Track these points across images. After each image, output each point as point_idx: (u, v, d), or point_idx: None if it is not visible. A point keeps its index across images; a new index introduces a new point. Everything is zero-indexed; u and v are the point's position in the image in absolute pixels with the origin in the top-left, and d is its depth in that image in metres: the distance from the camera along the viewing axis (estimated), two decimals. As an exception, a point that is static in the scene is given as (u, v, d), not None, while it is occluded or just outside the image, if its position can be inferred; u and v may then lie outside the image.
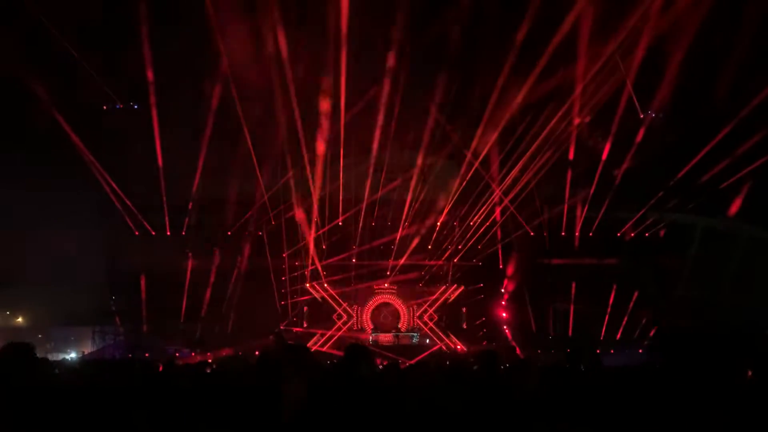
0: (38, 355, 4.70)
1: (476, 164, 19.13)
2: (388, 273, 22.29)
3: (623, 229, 21.49)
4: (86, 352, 20.50)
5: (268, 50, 14.71)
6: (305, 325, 22.07)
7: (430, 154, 19.33)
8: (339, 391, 4.33)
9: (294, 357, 5.35)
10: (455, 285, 22.57)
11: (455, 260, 22.38)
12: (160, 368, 10.36)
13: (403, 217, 20.92)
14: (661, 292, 20.06)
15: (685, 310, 19.20)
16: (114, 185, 19.36)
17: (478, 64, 15.83)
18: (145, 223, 20.86)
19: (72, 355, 19.84)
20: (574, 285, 21.09)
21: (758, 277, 17.99)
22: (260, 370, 5.76)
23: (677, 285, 19.58)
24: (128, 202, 19.96)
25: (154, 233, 21.10)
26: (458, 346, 21.60)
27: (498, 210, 20.61)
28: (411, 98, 16.94)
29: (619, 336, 20.67)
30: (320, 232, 21.36)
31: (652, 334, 20.14)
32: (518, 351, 20.34)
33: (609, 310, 20.73)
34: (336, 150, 18.73)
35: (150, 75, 15.98)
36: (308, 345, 20.86)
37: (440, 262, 22.32)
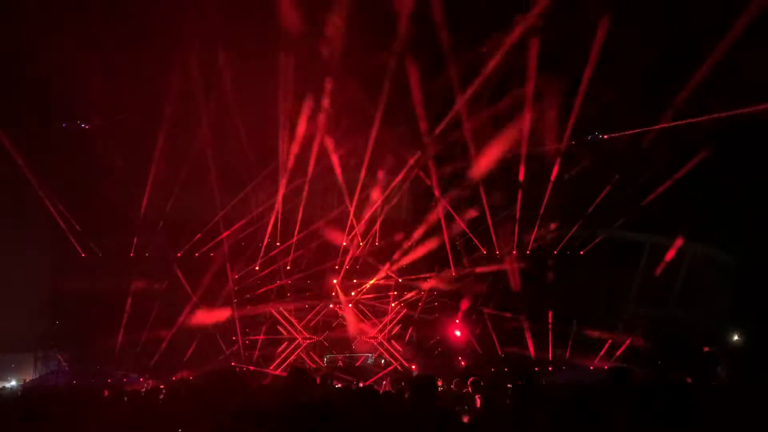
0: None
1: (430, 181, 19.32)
2: (344, 292, 22.15)
3: (570, 246, 21.92)
4: (27, 380, 19.68)
5: (221, 71, 14.64)
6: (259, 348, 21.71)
7: (381, 174, 19.48)
8: (283, 418, 4.27)
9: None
10: (409, 304, 22.55)
11: (411, 279, 22.38)
12: (106, 393, 10.06)
13: (357, 235, 20.86)
14: (610, 309, 20.55)
15: (635, 326, 19.76)
16: (59, 206, 18.81)
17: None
18: (91, 244, 20.27)
19: (12, 383, 19.03)
20: (523, 303, 21.34)
21: (702, 292, 18.65)
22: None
23: (626, 302, 20.14)
24: (74, 223, 19.38)
25: (100, 255, 20.49)
26: (412, 366, 21.54)
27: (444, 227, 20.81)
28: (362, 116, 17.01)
29: (567, 354, 20.97)
30: (273, 252, 21.13)
31: (603, 351, 20.55)
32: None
33: (552, 327, 21.11)
34: (291, 168, 18.63)
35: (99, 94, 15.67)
36: (264, 369, 20.64)
37: (394, 282, 22.29)
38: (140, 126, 17.57)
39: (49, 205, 18.61)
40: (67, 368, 20.42)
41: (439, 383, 13.63)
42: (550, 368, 20.85)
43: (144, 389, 14.92)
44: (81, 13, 13.32)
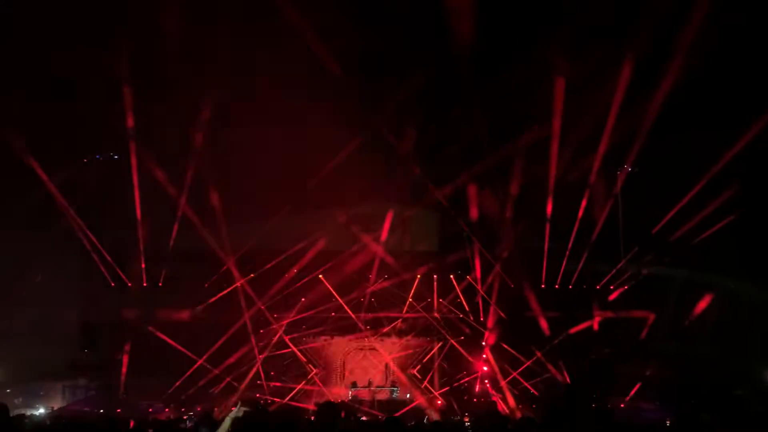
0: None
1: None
2: (367, 326, 22.06)
3: (601, 283, 21.63)
4: (55, 408, 19.84)
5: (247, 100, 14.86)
6: (284, 380, 21.63)
7: (407, 205, 19.51)
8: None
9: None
10: (435, 338, 22.38)
11: (435, 313, 22.23)
12: (132, 424, 10.10)
13: (375, 269, 20.78)
14: (640, 346, 20.14)
15: (665, 364, 19.29)
16: (90, 235, 19.14)
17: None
18: (121, 274, 20.55)
19: (41, 411, 19.18)
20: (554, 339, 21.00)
21: (734, 330, 18.19)
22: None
23: (656, 338, 19.72)
24: (104, 253, 19.69)
25: (130, 284, 20.74)
26: (438, 401, 21.26)
27: (477, 261, 20.69)
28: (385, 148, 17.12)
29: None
30: (298, 284, 21.18)
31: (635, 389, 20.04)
32: (499, 406, 20.14)
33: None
34: (314, 200, 18.75)
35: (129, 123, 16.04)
36: (286, 401, 20.54)
37: (419, 315, 22.14)
38: (170, 152, 17.87)
39: (80, 234, 18.92)
40: (94, 397, 20.55)
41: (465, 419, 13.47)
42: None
43: (168, 418, 14.97)
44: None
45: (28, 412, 17.09)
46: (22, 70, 13.97)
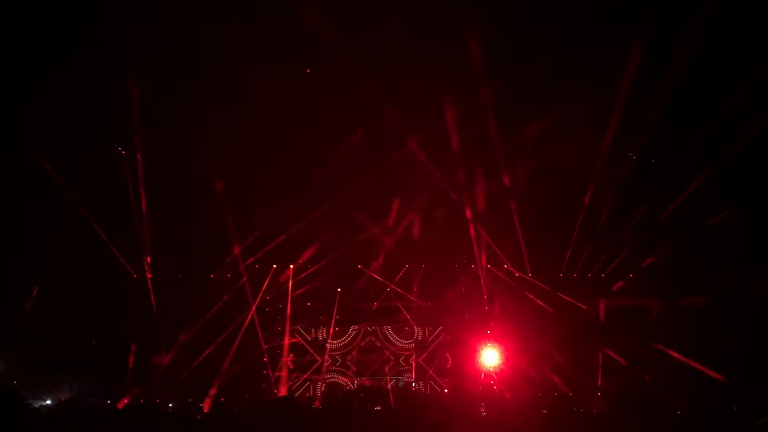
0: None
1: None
2: (373, 315, 22.09)
3: (608, 270, 21.45)
4: (63, 399, 19.90)
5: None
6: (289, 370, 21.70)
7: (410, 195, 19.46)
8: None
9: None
10: (440, 327, 22.37)
11: (441, 303, 22.20)
12: (140, 414, 10.14)
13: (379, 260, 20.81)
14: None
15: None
16: (97, 227, 19.16)
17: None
18: (128, 267, 20.57)
19: (48, 402, 19.25)
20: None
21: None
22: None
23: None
24: (112, 245, 19.71)
25: (135, 276, 20.77)
26: (445, 390, 21.31)
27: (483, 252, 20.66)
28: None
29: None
30: (302, 275, 21.20)
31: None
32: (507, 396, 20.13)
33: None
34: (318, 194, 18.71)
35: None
36: (294, 390, 20.61)
37: (425, 304, 22.13)
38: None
39: (88, 226, 18.93)
40: (101, 388, 20.61)
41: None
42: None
43: (175, 410, 15.02)
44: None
45: (36, 403, 17.16)
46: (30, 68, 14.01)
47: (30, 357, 19.77)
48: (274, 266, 21.20)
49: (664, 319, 19.41)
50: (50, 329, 18.89)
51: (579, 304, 20.87)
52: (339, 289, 21.74)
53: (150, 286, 20.81)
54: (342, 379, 21.94)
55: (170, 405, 18.25)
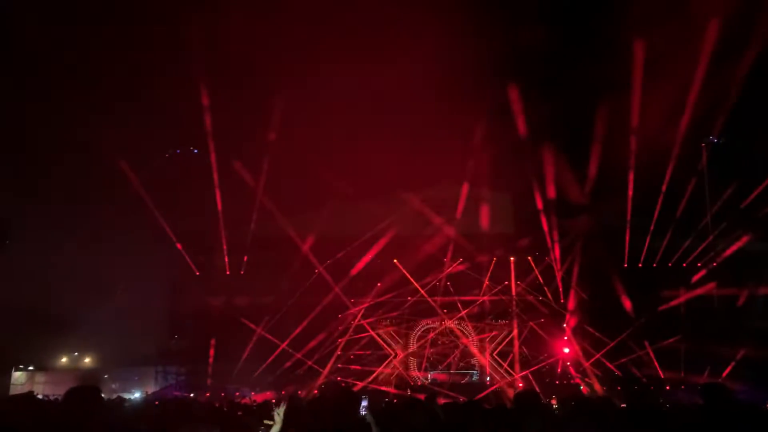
0: (105, 395, 4.78)
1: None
2: (444, 310, 22.02)
3: (688, 260, 20.67)
4: (149, 392, 20.84)
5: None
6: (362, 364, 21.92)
7: (480, 186, 19.21)
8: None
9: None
10: (515, 320, 22.07)
11: (515, 295, 21.90)
12: (218, 405, 10.43)
13: (449, 252, 20.66)
14: (732, 325, 19.13)
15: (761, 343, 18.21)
16: (177, 226, 19.94)
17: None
18: (206, 263, 21.33)
19: (136, 395, 20.18)
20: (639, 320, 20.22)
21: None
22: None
23: (751, 317, 18.69)
24: (189, 244, 20.48)
25: (214, 273, 21.50)
26: (520, 384, 21.01)
27: (557, 242, 20.21)
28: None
29: (682, 373, 19.66)
30: (372, 270, 21.34)
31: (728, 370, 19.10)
32: (584, 389, 19.70)
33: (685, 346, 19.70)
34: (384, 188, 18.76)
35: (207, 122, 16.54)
36: (364, 384, 20.78)
37: (499, 297, 21.87)
38: (252, 147, 18.33)
39: (166, 227, 19.72)
40: (184, 382, 21.47)
41: (553, 402, 13.21)
42: (667, 387, 19.68)
43: (255, 403, 15.38)
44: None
45: (125, 396, 18.00)
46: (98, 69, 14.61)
47: (120, 352, 20.81)
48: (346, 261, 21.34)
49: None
50: (138, 325, 19.81)
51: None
52: (410, 283, 21.69)
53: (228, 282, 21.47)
54: (416, 373, 21.99)
55: (247, 398, 18.75)
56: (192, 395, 19.44)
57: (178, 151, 20.24)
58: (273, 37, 13.63)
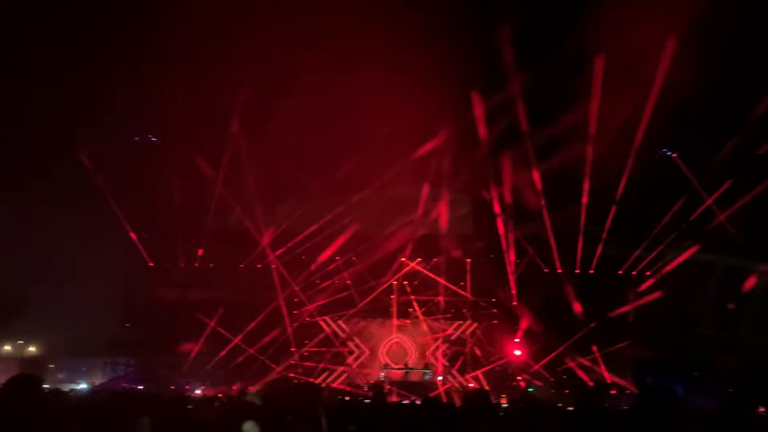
0: (50, 385, 4.68)
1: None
2: (398, 307, 22.13)
3: (638, 268, 21.29)
4: (96, 383, 20.43)
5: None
6: (316, 361, 21.85)
7: (441, 187, 19.36)
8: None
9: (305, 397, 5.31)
10: (468, 321, 22.32)
11: (468, 296, 22.13)
12: (170, 400, 10.28)
13: (408, 251, 20.80)
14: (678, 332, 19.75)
15: (705, 348, 18.85)
16: (131, 216, 19.57)
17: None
18: (159, 254, 20.98)
19: (82, 386, 19.77)
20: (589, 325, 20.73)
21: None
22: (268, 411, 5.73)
23: (696, 323, 19.30)
24: (143, 233, 20.11)
25: (168, 264, 21.17)
26: (471, 384, 21.26)
27: (512, 245, 20.53)
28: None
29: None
30: (330, 267, 21.33)
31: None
32: (533, 391, 20.03)
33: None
34: (346, 185, 18.76)
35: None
36: (319, 381, 20.74)
37: (454, 298, 22.08)
38: (207, 139, 18.11)
39: (121, 216, 19.34)
40: (133, 373, 21.10)
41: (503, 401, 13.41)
42: (613, 391, 20.17)
43: (205, 397, 15.23)
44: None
45: (70, 387, 17.62)
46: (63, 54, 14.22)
47: (68, 342, 20.34)
48: (303, 257, 21.28)
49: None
50: (88, 315, 19.40)
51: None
52: (368, 282, 21.75)
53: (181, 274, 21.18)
54: (369, 371, 22.04)
55: (197, 392, 18.54)
56: (140, 387, 19.12)
57: (136, 138, 19.86)
58: (235, 27, 13.47)
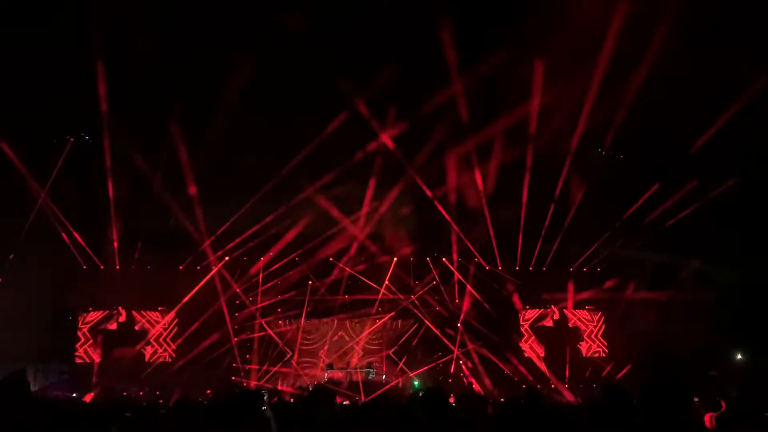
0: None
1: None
2: (344, 308, 22.08)
3: (576, 264, 21.92)
4: (27, 392, 19.50)
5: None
6: (258, 363, 21.55)
7: (385, 187, 19.39)
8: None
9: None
10: (411, 320, 22.46)
11: (411, 296, 22.26)
12: (106, 408, 9.93)
13: (352, 251, 20.78)
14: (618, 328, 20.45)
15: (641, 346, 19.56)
16: (61, 217, 18.77)
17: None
18: (93, 257, 20.22)
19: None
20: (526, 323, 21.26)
21: (702, 310, 18.48)
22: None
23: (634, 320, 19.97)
24: (76, 236, 19.32)
25: (102, 267, 20.45)
26: (415, 382, 21.39)
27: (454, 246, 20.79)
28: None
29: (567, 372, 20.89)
30: (272, 268, 21.07)
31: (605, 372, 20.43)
32: (475, 386, 20.36)
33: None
34: (289, 184, 18.54)
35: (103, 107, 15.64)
36: (261, 383, 20.47)
37: (398, 297, 22.17)
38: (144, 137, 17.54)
39: (51, 217, 18.54)
40: (67, 381, 20.29)
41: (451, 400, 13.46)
42: (552, 386, 20.71)
43: (143, 403, 14.80)
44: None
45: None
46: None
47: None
48: (245, 258, 20.96)
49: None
50: (16, 320, 18.51)
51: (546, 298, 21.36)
52: (310, 282, 21.62)
53: (117, 277, 20.51)
54: (313, 372, 21.91)
55: (136, 398, 18.01)
56: (75, 395, 18.41)
57: (69, 138, 19.07)
58: (177, 22, 13.13)
